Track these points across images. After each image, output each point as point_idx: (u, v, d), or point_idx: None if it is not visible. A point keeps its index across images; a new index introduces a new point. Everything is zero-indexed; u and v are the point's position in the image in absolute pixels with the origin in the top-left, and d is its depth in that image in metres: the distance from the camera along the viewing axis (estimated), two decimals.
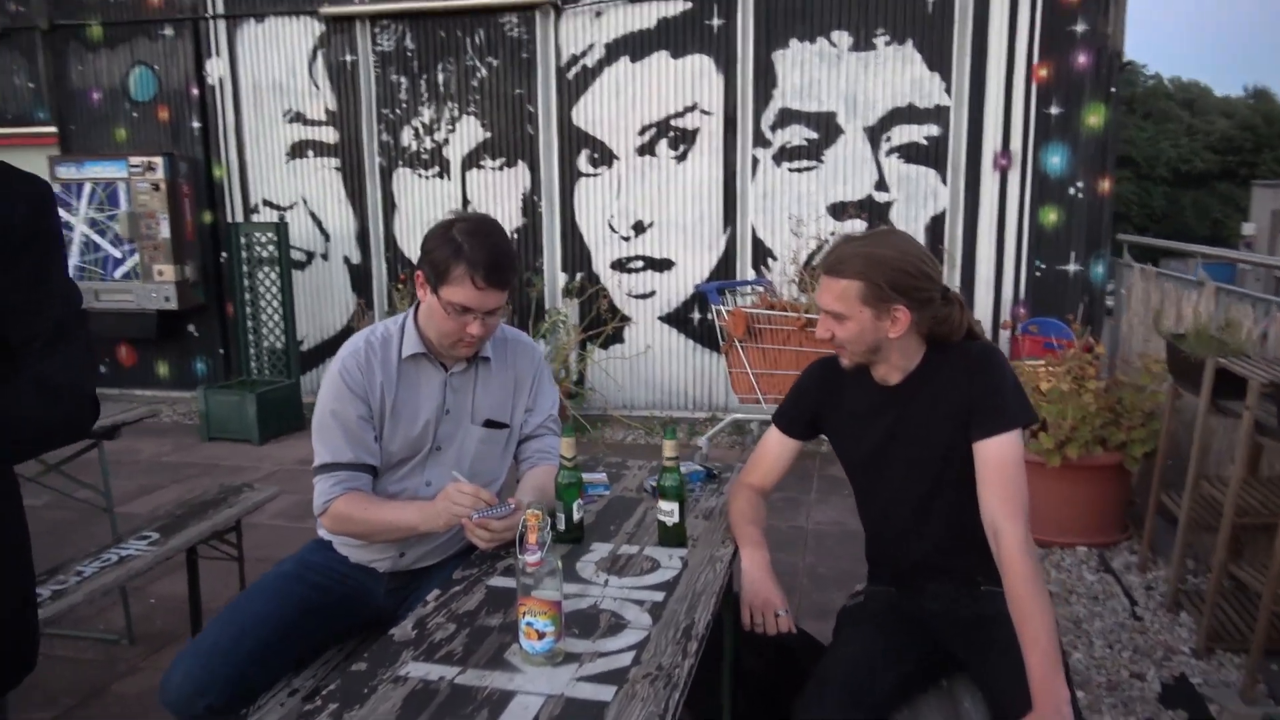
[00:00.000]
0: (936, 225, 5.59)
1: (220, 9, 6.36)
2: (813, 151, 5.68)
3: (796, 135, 5.68)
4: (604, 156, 5.96)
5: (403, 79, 6.16)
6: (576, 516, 1.91)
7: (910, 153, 5.56)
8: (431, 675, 1.38)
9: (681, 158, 5.85)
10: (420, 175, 6.25)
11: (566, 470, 1.88)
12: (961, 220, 5.55)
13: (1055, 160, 5.36)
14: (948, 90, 5.45)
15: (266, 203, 6.58)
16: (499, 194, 6.14)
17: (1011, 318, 5.47)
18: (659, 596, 1.65)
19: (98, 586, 2.46)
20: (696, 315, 5.97)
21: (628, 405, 6.15)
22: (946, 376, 1.79)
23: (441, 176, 6.21)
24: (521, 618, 1.41)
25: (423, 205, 6.26)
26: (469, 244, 1.87)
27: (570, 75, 5.92)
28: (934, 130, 5.50)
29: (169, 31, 6.48)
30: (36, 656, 1.35)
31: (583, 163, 5.99)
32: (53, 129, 6.78)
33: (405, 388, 2.02)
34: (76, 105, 6.73)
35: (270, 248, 6.10)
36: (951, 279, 5.59)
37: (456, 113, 6.11)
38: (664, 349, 6.08)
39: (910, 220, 5.60)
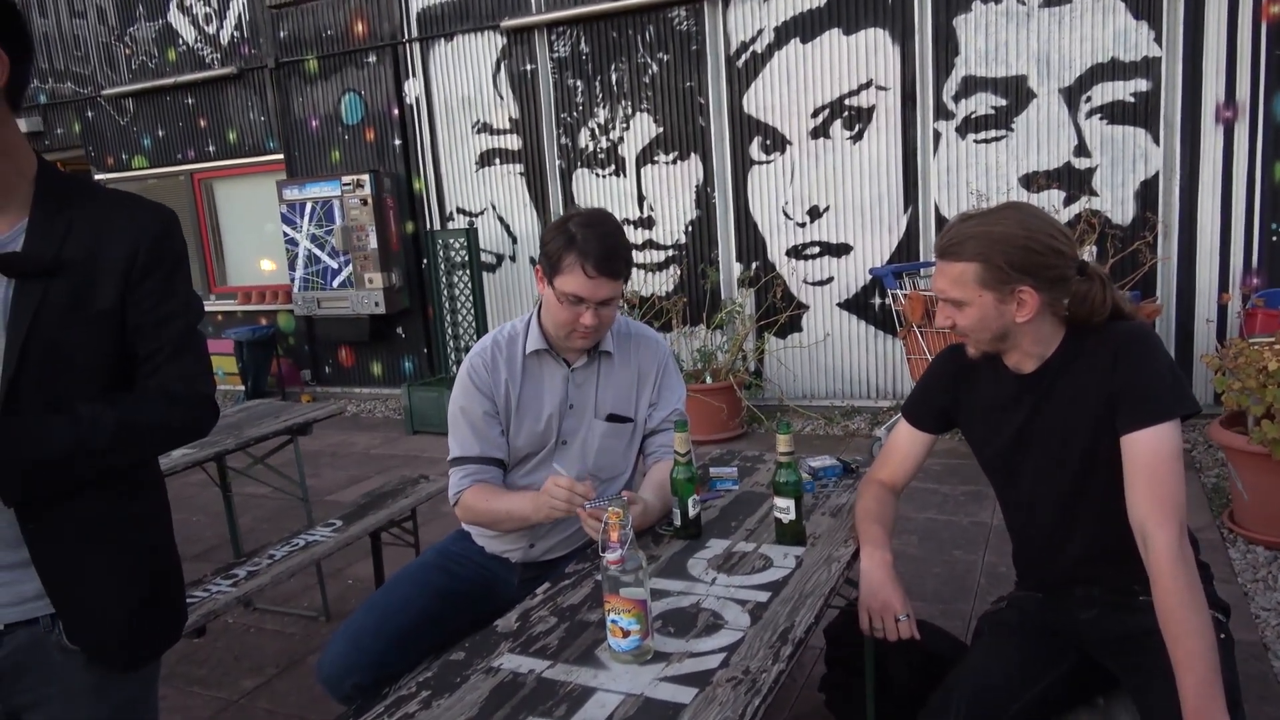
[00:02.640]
0: (1148, 190, 5.03)
1: (414, 32, 6.82)
2: (1001, 120, 5.27)
3: (982, 104, 5.30)
4: (776, 143, 5.84)
5: (578, 82, 6.34)
6: (693, 512, 1.88)
7: (1115, 112, 5.03)
8: (522, 668, 1.42)
9: (857, 137, 5.62)
10: (598, 174, 6.40)
11: (681, 465, 1.86)
12: (1178, 183, 4.96)
13: None
14: (1157, 40, 4.88)
15: (460, 210, 7.00)
16: (672, 188, 6.18)
17: (1242, 290, 4.83)
18: (764, 597, 1.60)
19: (284, 569, 2.72)
20: (877, 300, 5.73)
21: (806, 395, 6.01)
22: (1089, 362, 1.61)
23: (617, 174, 6.34)
24: (607, 615, 1.41)
25: (601, 203, 6.41)
26: (582, 235, 1.91)
27: (740, 63, 5.85)
28: (1142, 85, 4.95)
29: (372, 58, 7.03)
30: (181, 630, 1.51)
31: (755, 150, 5.91)
32: (280, 156, 7.56)
33: (529, 384, 2.08)
34: (298, 133, 7.47)
35: (462, 253, 6.48)
36: (1168, 248, 5.01)
37: (630, 110, 6.21)
38: (843, 336, 5.88)
39: (1117, 186, 5.07)
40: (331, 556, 3.11)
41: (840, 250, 5.80)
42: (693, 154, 6.08)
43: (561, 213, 6.55)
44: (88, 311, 1.32)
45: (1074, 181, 5.16)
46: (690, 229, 6.17)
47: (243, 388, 7.77)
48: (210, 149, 7.91)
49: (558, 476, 1.82)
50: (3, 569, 1.29)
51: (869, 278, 5.70)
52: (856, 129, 5.62)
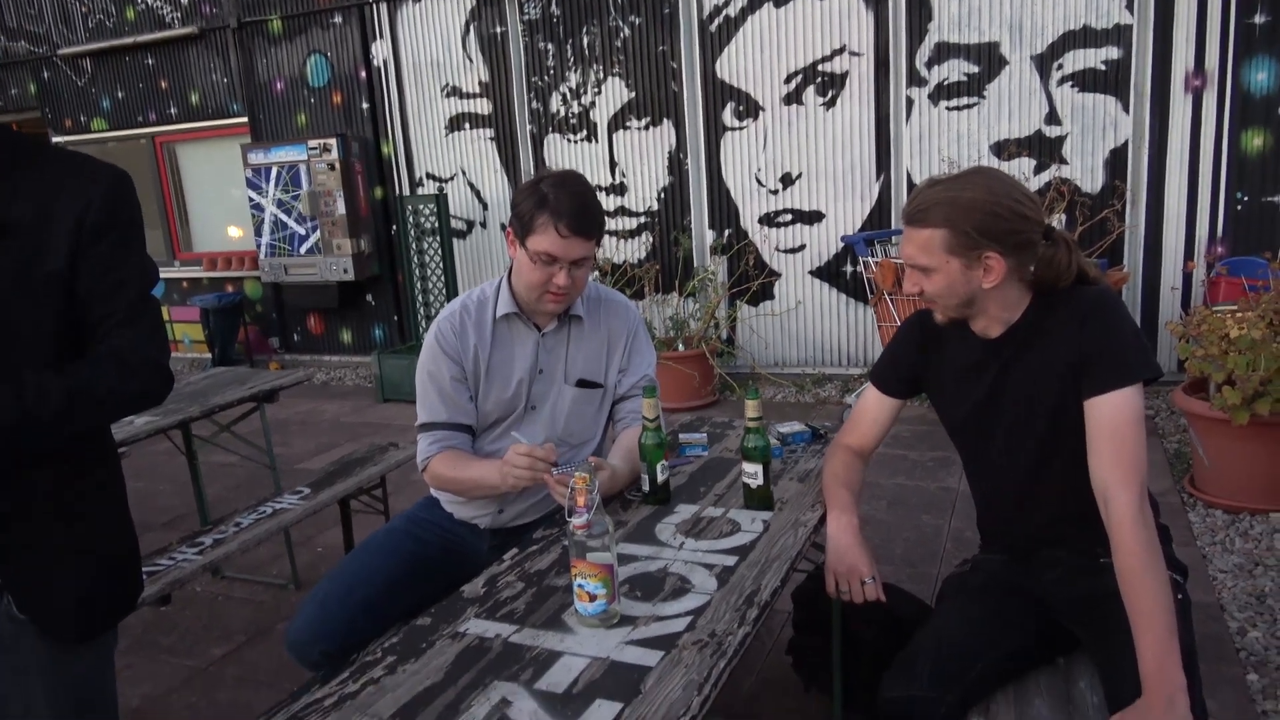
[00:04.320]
0: (1117, 158, 5.06)
1: None
2: (973, 87, 5.27)
3: (955, 70, 5.29)
4: (749, 109, 5.80)
5: (549, 45, 6.24)
6: (661, 478, 1.88)
7: (1086, 80, 5.04)
8: (489, 633, 1.41)
9: (830, 104, 5.60)
10: (569, 140, 6.33)
11: (650, 431, 1.85)
12: (1147, 151, 4.99)
13: (1261, 77, 4.70)
14: (1129, 6, 4.88)
15: (430, 175, 6.89)
16: (645, 154, 6.12)
17: (1207, 258, 4.89)
18: (731, 561, 1.60)
19: (251, 537, 2.69)
20: (849, 268, 5.74)
21: (778, 363, 6.03)
22: (1055, 327, 1.61)
23: (589, 140, 6.27)
24: (574, 580, 1.41)
25: (572, 168, 6.31)
26: (554, 194, 1.89)
27: (713, 27, 5.78)
28: (1114, 53, 4.96)
29: (338, 19, 6.87)
30: (136, 601, 1.49)
31: (728, 116, 5.86)
32: (244, 119, 7.39)
33: (499, 348, 2.06)
34: (263, 96, 7.30)
35: (432, 219, 6.40)
36: (1135, 216, 5.06)
37: (601, 75, 6.13)
38: (815, 304, 5.89)
39: (1087, 154, 5.10)
40: (301, 524, 3.10)
41: (812, 218, 5.79)
42: (665, 120, 6.02)
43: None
44: (34, 276, 1.28)
45: (1045, 149, 5.18)
46: (663, 195, 6.13)
47: (210, 355, 7.66)
48: (172, 111, 7.72)
49: (517, 445, 1.80)
50: None
51: (841, 245, 5.71)
52: (830, 95, 5.59)
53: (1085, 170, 5.13)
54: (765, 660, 2.63)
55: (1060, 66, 5.08)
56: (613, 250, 6.29)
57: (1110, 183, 5.07)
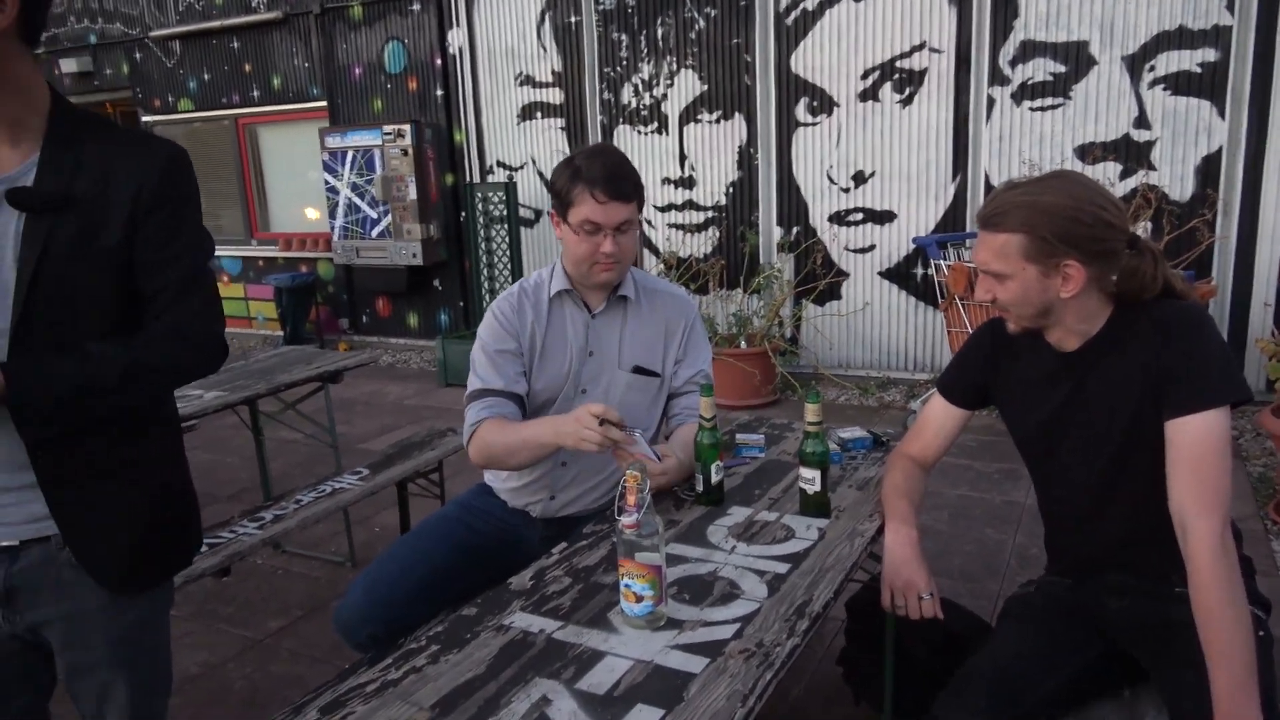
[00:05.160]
0: (1209, 166, 4.83)
1: None
2: (1059, 87, 5.08)
3: (1040, 70, 5.11)
4: (823, 104, 5.70)
5: (623, 36, 6.22)
6: (715, 478, 1.85)
7: (1179, 83, 4.82)
8: (533, 627, 1.40)
9: (907, 101, 5.46)
10: (639, 131, 6.31)
11: (706, 430, 1.82)
12: (1242, 158, 4.76)
13: None
14: (1229, 7, 4.65)
15: (500, 164, 6.95)
16: (715, 147, 6.07)
17: None
18: (783, 569, 1.56)
19: (310, 514, 2.74)
20: (919, 270, 5.61)
21: (842, 364, 5.92)
22: (1136, 341, 1.53)
23: (660, 132, 6.24)
24: (621, 580, 1.39)
25: (642, 161, 6.32)
26: (586, 165, 1.93)
27: (789, 21, 5.69)
28: (1210, 55, 4.73)
29: (417, 7, 6.96)
30: (191, 558, 1.53)
31: (801, 112, 5.77)
32: (323, 104, 7.55)
33: (554, 328, 2.07)
34: (341, 81, 7.44)
35: (501, 207, 6.45)
36: (1227, 227, 4.83)
37: (675, 67, 6.09)
38: (882, 306, 5.77)
39: (1177, 160, 4.88)
40: (359, 504, 3.15)
41: (884, 217, 5.67)
42: (737, 113, 5.95)
43: None
44: (95, 248, 1.31)
45: (1132, 154, 4.97)
46: (731, 190, 6.07)
47: (281, 333, 7.86)
48: (255, 94, 7.92)
49: (590, 404, 1.74)
50: (13, 490, 1.31)
51: (912, 247, 5.57)
52: (907, 92, 5.45)
53: (1174, 177, 4.91)
54: (816, 668, 2.58)
55: (1152, 68, 4.86)
56: (679, 244, 6.25)
57: (1201, 191, 4.85)
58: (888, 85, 5.49)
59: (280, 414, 3.52)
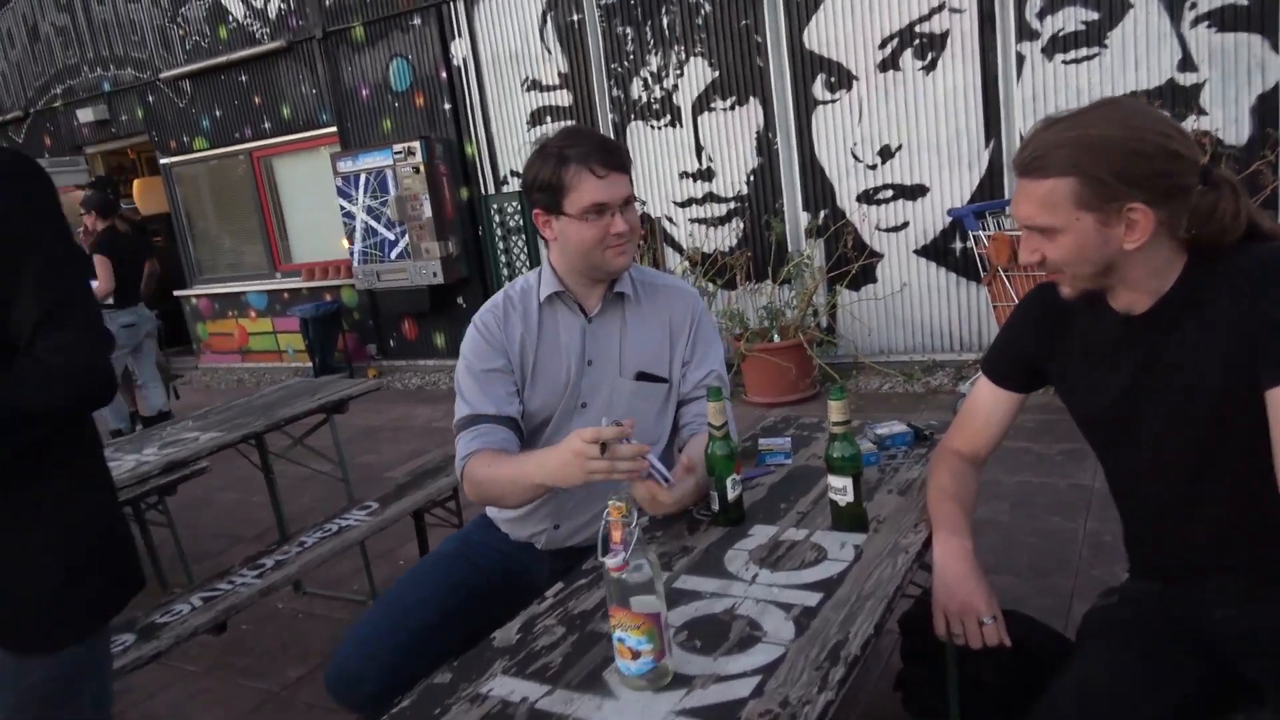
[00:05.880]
0: (1265, 104, 4.45)
1: None
2: (1093, 36, 4.74)
3: (1071, 20, 4.77)
4: (842, 79, 5.41)
5: (628, 29, 6.00)
6: (732, 494, 1.61)
7: (1225, 18, 4.45)
8: (515, 695, 1.18)
9: (930, 67, 5.16)
10: (652, 126, 6.08)
11: (717, 440, 1.58)
12: None
13: None
14: None
15: (514, 173, 6.77)
16: (732, 135, 5.81)
17: None
18: (813, 600, 1.32)
19: (313, 557, 2.56)
20: (958, 245, 5.29)
21: (883, 350, 5.62)
22: (1220, 296, 1.26)
23: (673, 125, 6.00)
24: (613, 633, 1.16)
25: (657, 157, 6.10)
26: (569, 145, 1.73)
27: None
28: None
29: (417, 21, 6.82)
30: (107, 617, 1.35)
31: (818, 89, 5.49)
32: (333, 129, 7.45)
33: (546, 337, 1.84)
34: (350, 103, 7.33)
35: (517, 217, 6.27)
36: None
37: (683, 56, 5.85)
38: (922, 285, 5.46)
39: (1229, 101, 4.51)
40: (382, 537, 2.97)
41: (915, 192, 5.36)
42: (751, 98, 5.69)
43: None
44: None
45: (1179, 99, 4.61)
46: (752, 178, 5.81)
47: (311, 364, 7.77)
48: (266, 126, 7.86)
49: (581, 430, 1.47)
50: None
51: (948, 220, 5.26)
52: (929, 58, 5.15)
53: (1228, 120, 4.54)
54: (872, 691, 2.31)
55: (1194, 6, 4.50)
56: (702, 239, 6.01)
57: (1259, 131, 4.47)
58: (908, 52, 5.19)
59: (289, 450, 3.35)
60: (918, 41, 5.16)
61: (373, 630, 1.76)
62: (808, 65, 5.48)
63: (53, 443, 1.26)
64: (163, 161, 8.64)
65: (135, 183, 10.31)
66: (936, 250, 5.37)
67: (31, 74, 9.28)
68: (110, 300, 5.71)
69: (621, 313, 1.87)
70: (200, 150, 8.34)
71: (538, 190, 1.75)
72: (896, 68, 5.24)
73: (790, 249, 5.74)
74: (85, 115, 8.80)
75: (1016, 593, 2.74)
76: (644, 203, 6.15)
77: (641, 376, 1.86)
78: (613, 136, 6.05)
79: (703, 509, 1.69)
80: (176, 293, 8.95)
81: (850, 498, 1.52)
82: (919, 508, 1.58)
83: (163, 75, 8.20)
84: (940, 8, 5.06)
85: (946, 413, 4.36)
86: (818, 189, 5.63)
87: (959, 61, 5.07)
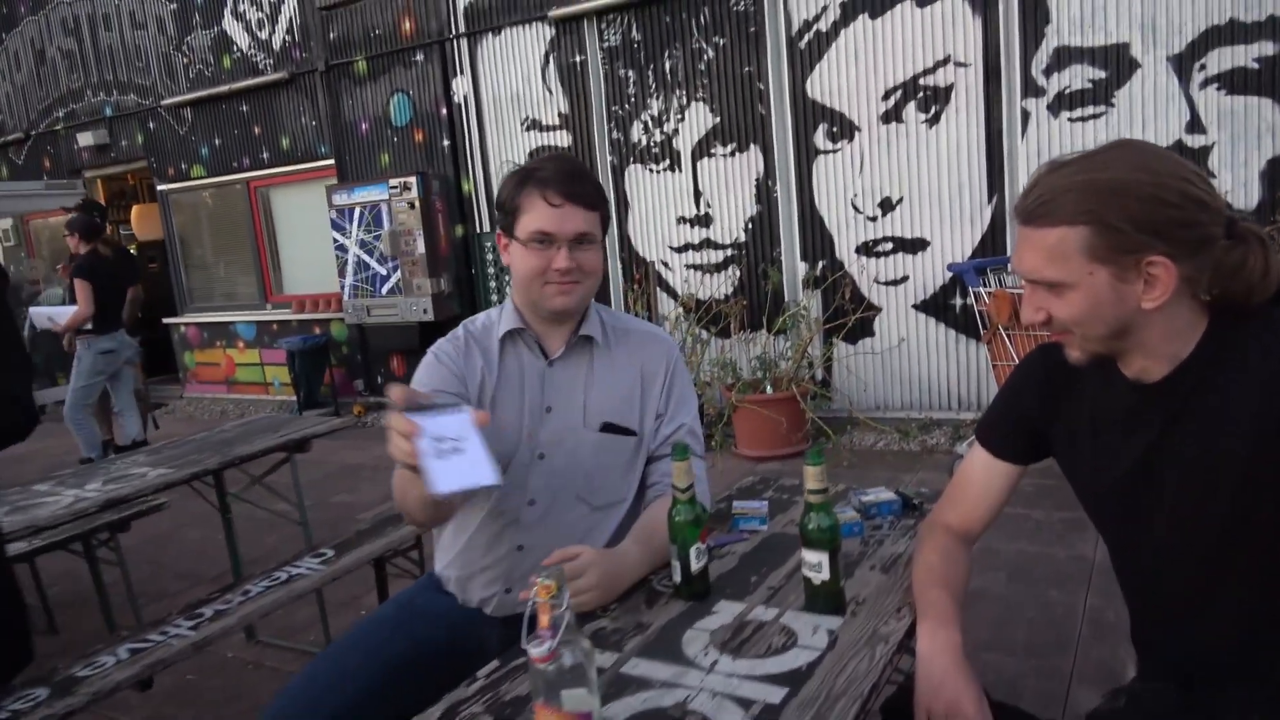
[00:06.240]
0: (1275, 169, 4.36)
1: (462, 27, 6.54)
2: (1100, 95, 4.66)
3: (1078, 77, 4.70)
4: (844, 129, 5.33)
5: (630, 72, 5.95)
6: (696, 565, 1.44)
7: (1235, 81, 4.38)
8: None
9: (934, 120, 5.08)
10: (651, 170, 6.00)
11: (682, 504, 1.42)
12: None
13: None
14: None
15: None
16: (731, 182, 5.72)
17: None
18: (776, 695, 1.15)
19: (255, 608, 2.37)
20: (958, 301, 5.16)
21: (879, 406, 5.46)
22: (1245, 363, 1.11)
23: (672, 169, 5.92)
24: None
25: (655, 201, 6.01)
26: (537, 167, 1.62)
27: (802, 44, 5.36)
28: (1269, 49, 4.29)
29: (420, 57, 6.79)
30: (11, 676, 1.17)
31: (820, 139, 5.41)
32: (331, 161, 7.38)
33: (505, 378, 1.69)
34: (349, 137, 7.27)
35: None
36: None
37: (685, 100, 5.78)
38: (920, 341, 5.32)
39: (1239, 165, 4.42)
40: (344, 582, 2.79)
41: (916, 246, 5.25)
42: (752, 145, 5.61)
43: (613, 211, 6.16)
44: None
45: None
46: (750, 226, 5.71)
47: (295, 398, 7.61)
48: (264, 156, 7.80)
49: (392, 387, 1.29)
50: None
51: (948, 275, 5.14)
52: (933, 111, 5.07)
53: (1237, 183, 4.44)
54: None
55: (1203, 67, 4.43)
56: (697, 285, 5.89)
57: (1269, 196, 4.37)
58: (911, 105, 5.12)
59: (246, 490, 3.18)
60: (921, 94, 5.09)
61: (290, 708, 1.58)
62: (810, 114, 5.41)
63: None
64: (160, 188, 8.58)
65: (134, 209, 10.25)
66: (936, 305, 5.25)
67: (35, 97, 9.27)
68: (90, 325, 5.58)
69: (588, 358, 1.73)
70: (198, 178, 8.28)
71: (499, 209, 1.65)
72: (899, 119, 5.16)
73: (787, 299, 5.62)
74: (85, 139, 8.76)
75: (1011, 672, 2.55)
76: (618, 253, 6.04)
77: (607, 428, 1.70)
78: (610, 179, 5.98)
79: (664, 579, 1.52)
80: (166, 320, 8.82)
81: (826, 575, 1.35)
82: (903, 588, 1.41)
83: (164, 102, 8.17)
84: (945, 61, 4.99)
85: (942, 474, 4.20)
86: (816, 239, 5.53)
87: (963, 115, 5.00)
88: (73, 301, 5.53)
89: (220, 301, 8.63)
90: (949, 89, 5.01)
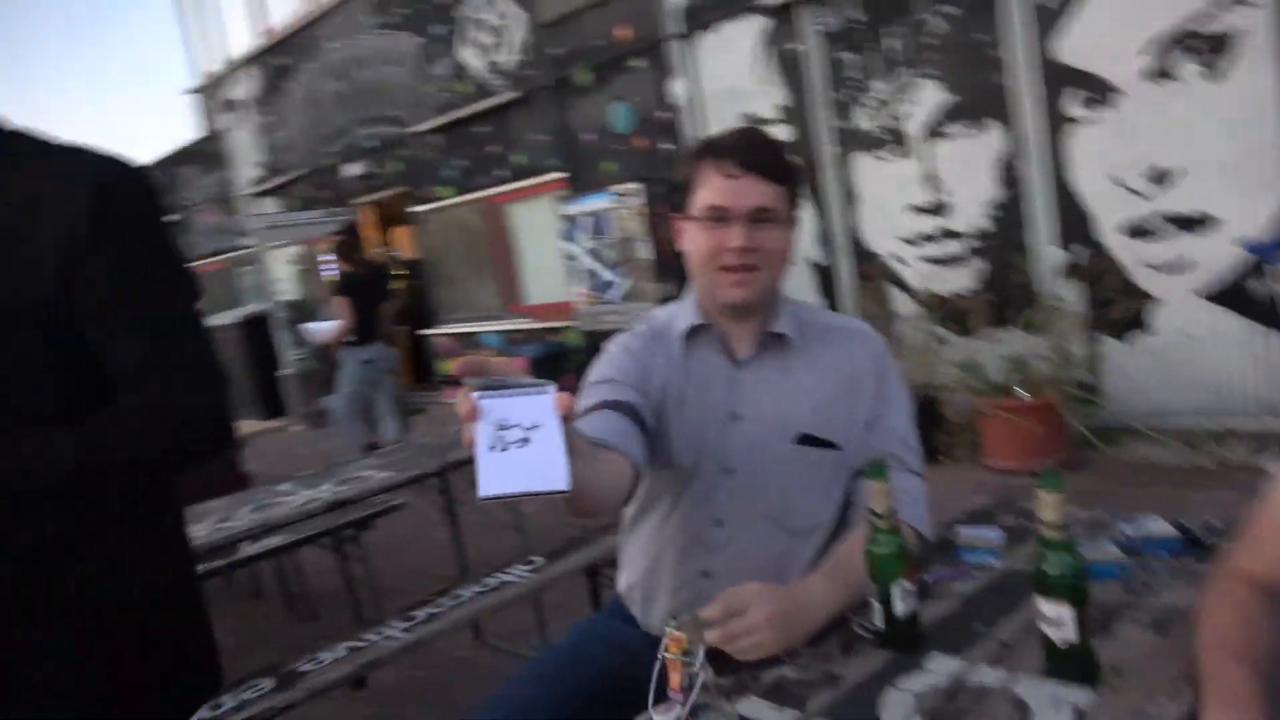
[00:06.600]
0: None
1: (676, 28, 6.48)
2: None
3: None
4: (1101, 93, 4.67)
5: (851, 55, 5.60)
6: (901, 608, 1.19)
7: None
8: None
9: (1215, 74, 4.32)
10: (878, 158, 5.61)
11: (881, 534, 1.19)
12: None
13: None
14: None
15: None
16: (968, 164, 5.21)
17: None
18: None
19: (462, 615, 2.38)
20: (1257, 286, 4.35)
21: (1158, 412, 4.72)
22: None
23: (901, 155, 5.49)
24: None
25: (884, 190, 5.61)
26: (718, 139, 1.46)
27: (1047, 0, 4.77)
28: None
29: (640, 63, 6.82)
30: (196, 705, 1.16)
31: (1072, 106, 4.79)
32: (562, 174, 7.61)
33: (688, 380, 1.52)
34: (575, 148, 7.46)
35: None
36: None
37: (912, 79, 5.35)
38: (1209, 335, 4.54)
39: None
40: (562, 588, 2.77)
41: (1198, 223, 4.49)
42: (991, 120, 5.08)
43: (838, 205, 5.85)
44: (14, 304, 0.99)
45: None
46: (994, 211, 5.17)
47: None
48: (503, 173, 8.19)
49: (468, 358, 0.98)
50: None
51: (1244, 256, 4.35)
52: (1214, 64, 4.31)
53: None
54: None
55: None
56: (933, 280, 5.42)
57: None
58: (1186, 58, 4.39)
59: (468, 491, 3.25)
60: (1199, 44, 4.34)
61: None
62: (1059, 80, 4.80)
63: (139, 501, 1.10)
64: (415, 210, 9.29)
65: (396, 231, 11.22)
66: (1228, 292, 4.45)
67: (312, 135, 10.38)
68: (353, 338, 6.11)
69: (782, 359, 1.52)
70: (446, 198, 8.86)
71: (677, 190, 1.50)
72: (1171, 76, 4.44)
73: (1039, 291, 5.02)
74: (352, 169, 9.68)
75: None
76: (849, 249, 5.67)
77: (805, 440, 1.48)
78: (832, 170, 5.67)
79: (865, 620, 1.28)
80: (421, 332, 9.53)
81: (1071, 635, 1.06)
82: (1183, 657, 1.09)
83: (415, 130, 8.82)
84: (1227, 4, 4.23)
85: (1242, 501, 3.53)
86: (1073, 221, 4.89)
87: (1253, 66, 4.20)
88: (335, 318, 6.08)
89: (468, 312, 9.19)
90: (1234, 36, 4.24)
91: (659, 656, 0.81)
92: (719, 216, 1.40)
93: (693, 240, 1.46)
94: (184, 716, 1.15)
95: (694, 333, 1.53)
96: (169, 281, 1.06)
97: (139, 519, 1.11)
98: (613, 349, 1.57)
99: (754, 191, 1.39)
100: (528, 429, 0.83)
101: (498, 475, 0.81)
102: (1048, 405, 4.48)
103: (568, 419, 0.88)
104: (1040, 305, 4.91)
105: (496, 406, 0.84)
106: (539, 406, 0.85)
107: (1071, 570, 1.05)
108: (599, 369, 1.53)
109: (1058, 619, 1.06)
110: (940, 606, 1.32)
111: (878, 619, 1.21)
